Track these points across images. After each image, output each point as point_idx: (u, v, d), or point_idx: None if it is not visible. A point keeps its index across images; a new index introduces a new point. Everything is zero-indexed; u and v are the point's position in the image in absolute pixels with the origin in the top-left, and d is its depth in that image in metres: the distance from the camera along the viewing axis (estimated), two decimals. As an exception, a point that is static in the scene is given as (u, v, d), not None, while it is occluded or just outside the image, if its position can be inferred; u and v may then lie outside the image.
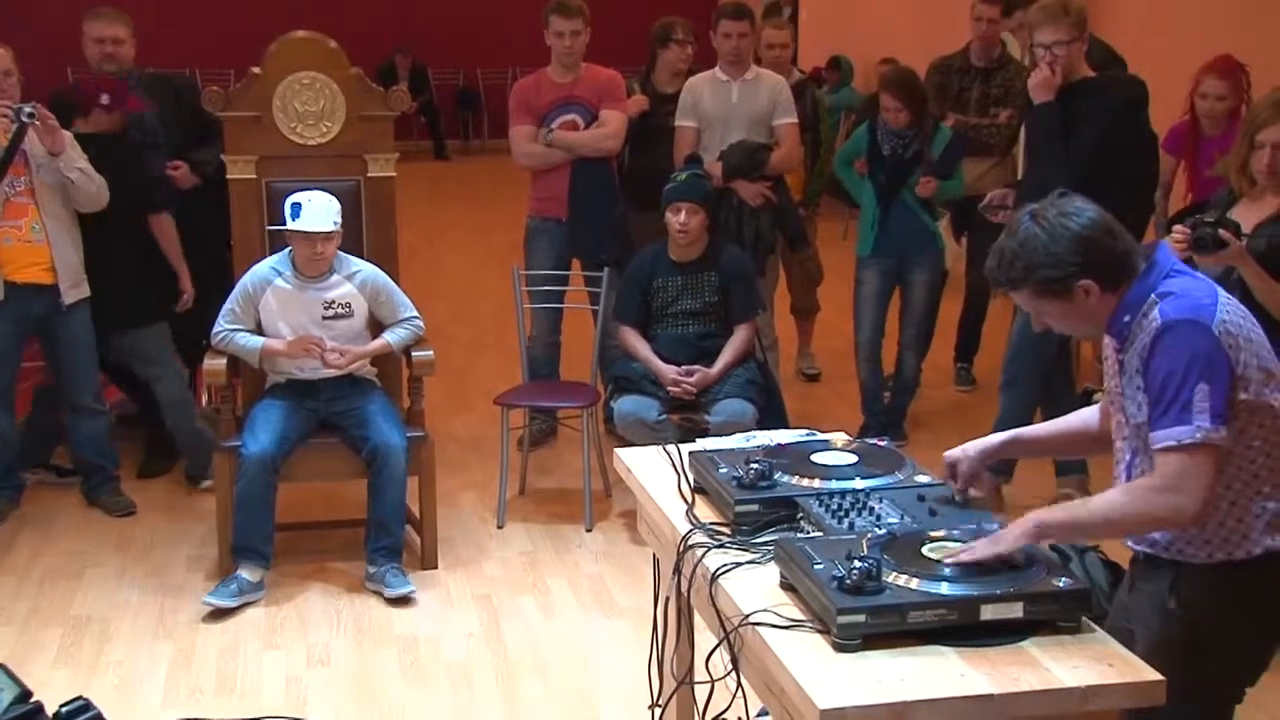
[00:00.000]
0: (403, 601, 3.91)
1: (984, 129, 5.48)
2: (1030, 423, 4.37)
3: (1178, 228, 3.35)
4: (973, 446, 2.45)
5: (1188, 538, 2.22)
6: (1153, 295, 2.17)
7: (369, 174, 4.34)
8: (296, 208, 3.92)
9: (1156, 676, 1.96)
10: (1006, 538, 2.12)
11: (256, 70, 4.29)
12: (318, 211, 3.93)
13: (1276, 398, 2.18)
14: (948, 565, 2.09)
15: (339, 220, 3.99)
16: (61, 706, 1.30)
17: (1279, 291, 3.22)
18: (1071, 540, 2.23)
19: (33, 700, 1.31)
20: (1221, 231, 3.19)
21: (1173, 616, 2.22)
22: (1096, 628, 2.08)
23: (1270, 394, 2.17)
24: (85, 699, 1.34)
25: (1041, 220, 2.17)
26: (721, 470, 2.52)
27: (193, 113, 4.82)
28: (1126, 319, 2.19)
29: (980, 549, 2.10)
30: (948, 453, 2.45)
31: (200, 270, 4.85)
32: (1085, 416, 2.51)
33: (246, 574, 3.90)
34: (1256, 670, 2.31)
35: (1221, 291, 2.22)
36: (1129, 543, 2.33)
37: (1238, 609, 2.22)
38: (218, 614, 3.84)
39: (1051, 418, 2.72)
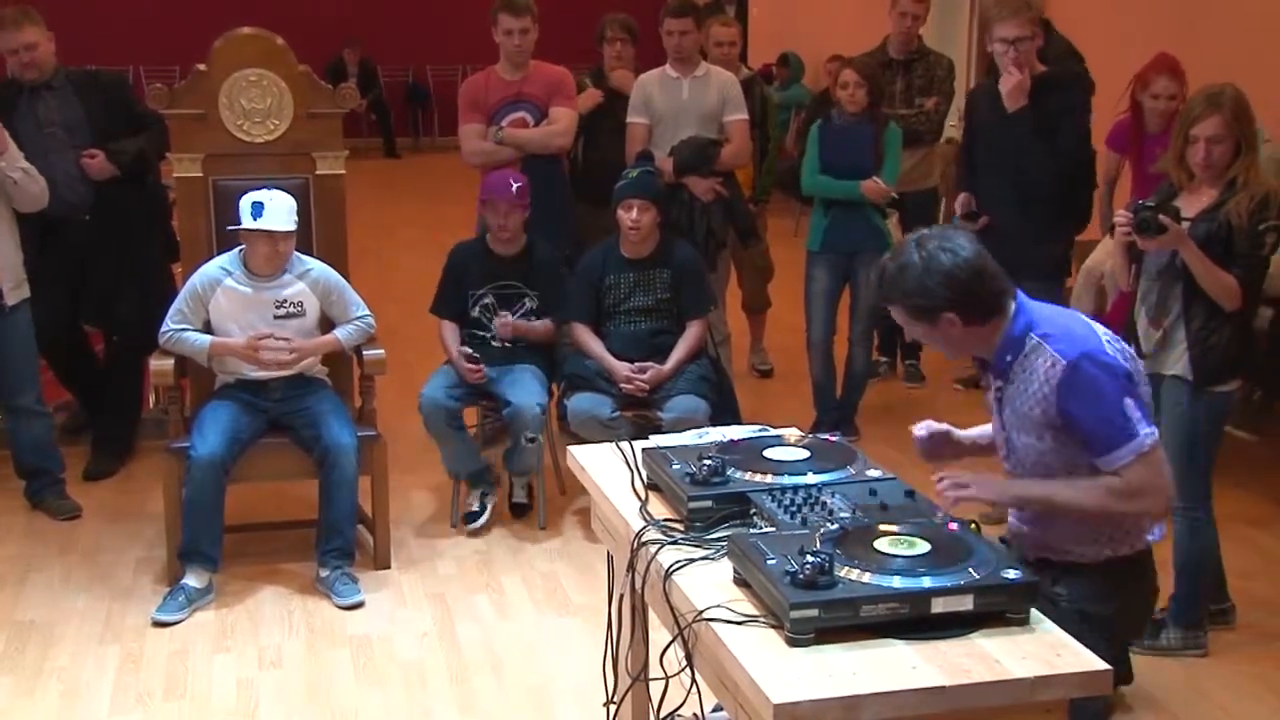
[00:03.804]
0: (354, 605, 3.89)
1: (912, 119, 5.54)
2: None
3: (1120, 212, 3.45)
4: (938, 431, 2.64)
5: (1078, 538, 2.42)
6: (1033, 336, 2.37)
7: (318, 172, 4.30)
8: (259, 206, 3.88)
9: (1103, 666, 1.99)
10: (993, 490, 2.43)
11: (202, 67, 4.24)
12: (280, 210, 3.90)
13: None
14: (946, 493, 2.38)
15: (296, 219, 3.96)
16: None
17: (1217, 274, 3.33)
18: (1033, 508, 2.44)
19: None
20: (1161, 216, 3.28)
21: (1060, 606, 2.36)
22: (1045, 619, 2.11)
23: None
24: None
25: (922, 250, 2.34)
26: (675, 466, 2.53)
27: (124, 110, 4.75)
28: (1009, 359, 2.40)
29: (974, 491, 2.37)
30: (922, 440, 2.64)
31: (133, 272, 4.79)
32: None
33: (193, 581, 3.86)
34: (1134, 636, 2.64)
35: (1078, 313, 2.46)
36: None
37: (1120, 597, 2.46)
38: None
39: None
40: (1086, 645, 2.03)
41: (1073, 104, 4.15)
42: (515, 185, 4.46)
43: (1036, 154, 4.13)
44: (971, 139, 4.56)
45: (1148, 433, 2.31)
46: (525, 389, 4.31)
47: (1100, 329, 2.40)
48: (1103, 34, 6.43)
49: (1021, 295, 2.42)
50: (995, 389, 2.47)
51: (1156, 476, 2.33)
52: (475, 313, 4.55)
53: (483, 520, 4.45)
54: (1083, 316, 2.46)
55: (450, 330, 4.55)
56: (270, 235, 3.91)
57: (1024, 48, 4.04)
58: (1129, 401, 2.31)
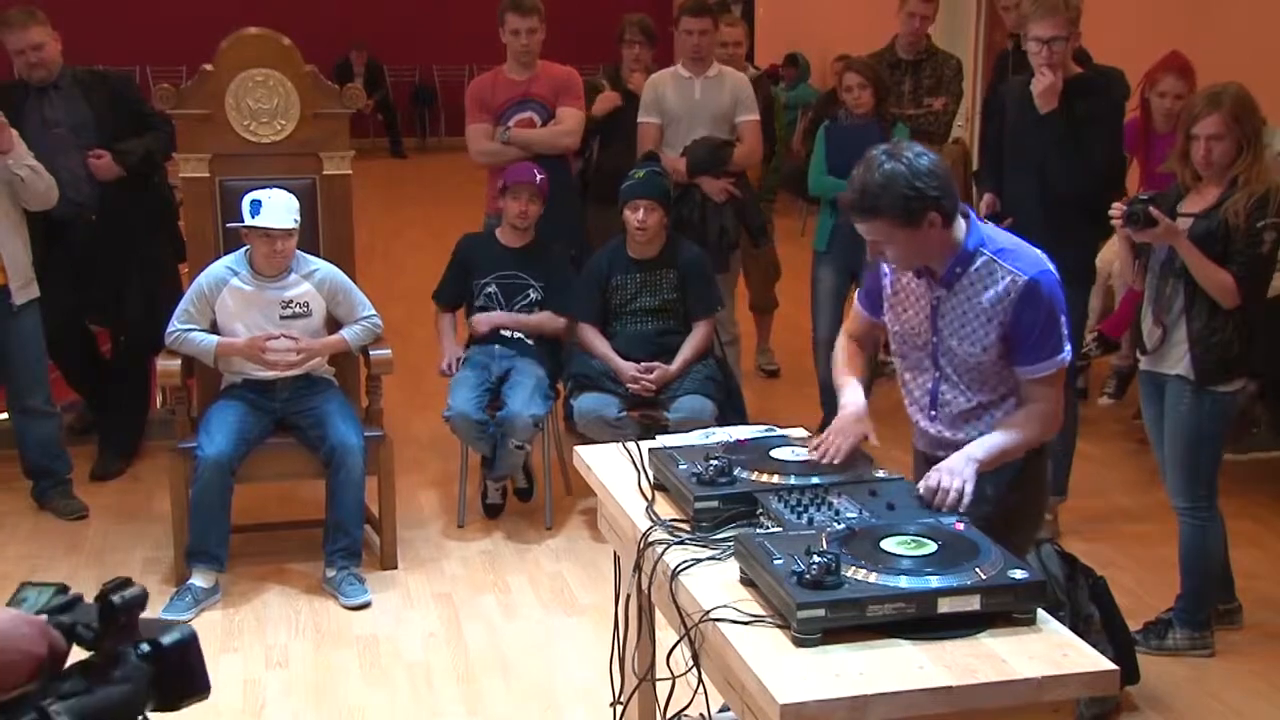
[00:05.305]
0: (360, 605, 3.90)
1: (920, 119, 5.52)
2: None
3: (1115, 205, 3.44)
4: (845, 425, 2.67)
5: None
6: (984, 251, 2.54)
7: (324, 172, 4.30)
8: (256, 204, 3.89)
9: (1110, 666, 1.99)
10: (969, 473, 2.42)
11: (208, 67, 4.24)
12: (278, 208, 3.90)
13: None
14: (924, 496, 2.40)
15: (298, 218, 3.96)
16: (105, 586, 1.33)
17: (1213, 271, 3.33)
18: (995, 464, 2.55)
19: (71, 592, 1.36)
20: (1151, 209, 3.28)
21: (991, 501, 2.56)
22: (1051, 619, 2.10)
23: None
24: (124, 577, 1.35)
25: (899, 157, 2.44)
26: (681, 467, 2.53)
27: (130, 110, 4.76)
28: (958, 270, 2.55)
29: (967, 482, 2.41)
30: (817, 441, 2.65)
31: (139, 273, 4.80)
32: (853, 351, 2.94)
33: (200, 581, 3.86)
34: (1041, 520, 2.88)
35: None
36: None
37: (1032, 488, 2.74)
38: (174, 617, 3.81)
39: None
40: (1011, 532, 2.21)
41: (1106, 109, 4.05)
42: (539, 176, 4.54)
43: (1065, 159, 4.03)
44: (997, 138, 4.41)
45: (1069, 350, 2.59)
46: (525, 396, 4.30)
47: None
48: (1111, 33, 6.42)
49: (970, 210, 2.58)
50: (934, 298, 2.60)
51: (1059, 396, 2.60)
52: (480, 302, 4.57)
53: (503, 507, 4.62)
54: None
55: (447, 321, 4.61)
56: (268, 234, 3.91)
57: (1058, 48, 3.93)
58: (1063, 319, 2.55)
